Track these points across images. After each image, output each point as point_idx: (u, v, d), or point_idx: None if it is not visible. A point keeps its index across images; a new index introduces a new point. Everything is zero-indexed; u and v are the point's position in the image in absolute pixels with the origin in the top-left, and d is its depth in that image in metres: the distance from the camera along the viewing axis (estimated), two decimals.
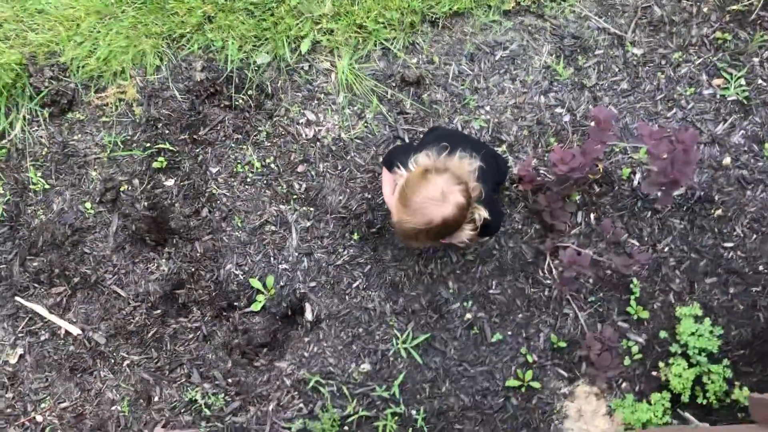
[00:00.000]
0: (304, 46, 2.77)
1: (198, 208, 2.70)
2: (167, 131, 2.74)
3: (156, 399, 2.56)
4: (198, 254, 2.66)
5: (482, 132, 2.71)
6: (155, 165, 2.70)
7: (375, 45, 2.78)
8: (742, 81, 2.67)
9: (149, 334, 2.60)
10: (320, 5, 2.78)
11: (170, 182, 2.72)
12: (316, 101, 2.77)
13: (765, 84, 2.67)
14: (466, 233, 1.99)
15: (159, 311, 2.61)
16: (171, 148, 2.73)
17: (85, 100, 2.74)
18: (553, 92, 2.74)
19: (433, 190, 1.88)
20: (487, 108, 2.74)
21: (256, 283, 2.62)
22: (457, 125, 2.72)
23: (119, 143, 2.72)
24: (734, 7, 2.73)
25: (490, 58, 2.77)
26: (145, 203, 2.68)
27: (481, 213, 1.98)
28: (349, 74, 2.75)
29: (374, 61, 2.78)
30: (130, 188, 2.70)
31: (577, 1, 2.80)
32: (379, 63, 2.78)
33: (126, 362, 2.59)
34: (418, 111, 2.74)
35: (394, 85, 2.77)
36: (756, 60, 2.69)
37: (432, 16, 2.78)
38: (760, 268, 2.55)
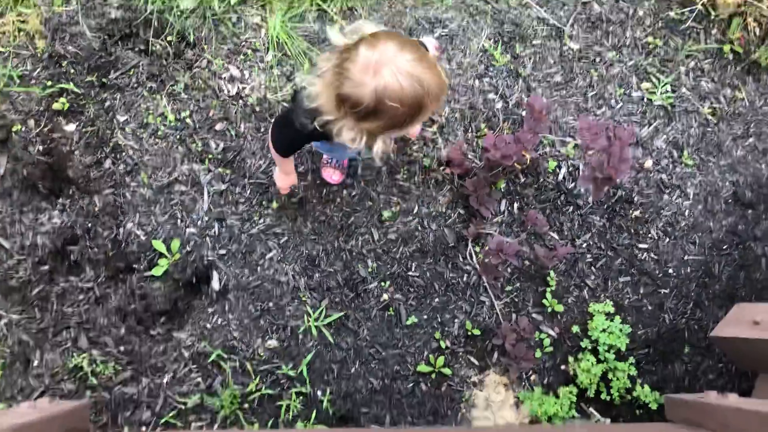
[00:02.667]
0: None
1: (100, 158, 2.66)
2: (72, 71, 2.68)
3: (35, 363, 2.50)
4: (96, 209, 2.62)
5: None
6: (56, 106, 2.63)
7: (311, 5, 2.85)
8: (668, 87, 2.96)
9: (33, 292, 2.53)
10: None
11: (71, 127, 2.66)
12: (242, 56, 2.80)
13: (689, 93, 2.97)
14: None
15: (47, 267, 2.54)
16: (75, 89, 2.67)
17: None
18: (488, 77, 2.92)
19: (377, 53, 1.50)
20: None
21: (159, 245, 2.61)
22: None
23: (15, 77, 2.63)
24: (669, 13, 3.02)
25: (427, 35, 2.91)
26: (41, 147, 2.61)
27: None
28: (281, 32, 2.80)
29: (309, 21, 2.85)
30: (24, 129, 2.62)
31: None
32: (314, 25, 2.85)
33: (3, 320, 2.51)
34: None
35: (327, 49, 2.84)
36: (683, 69, 2.99)
37: None
38: (670, 271, 2.83)
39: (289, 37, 2.80)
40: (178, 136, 2.71)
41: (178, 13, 2.75)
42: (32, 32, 2.66)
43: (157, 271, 2.59)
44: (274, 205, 2.69)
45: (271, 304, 2.65)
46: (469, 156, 2.83)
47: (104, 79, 2.69)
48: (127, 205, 2.64)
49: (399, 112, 1.52)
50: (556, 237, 2.81)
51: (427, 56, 1.56)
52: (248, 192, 2.70)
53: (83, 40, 2.70)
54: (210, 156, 2.71)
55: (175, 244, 2.62)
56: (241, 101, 2.75)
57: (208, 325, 2.61)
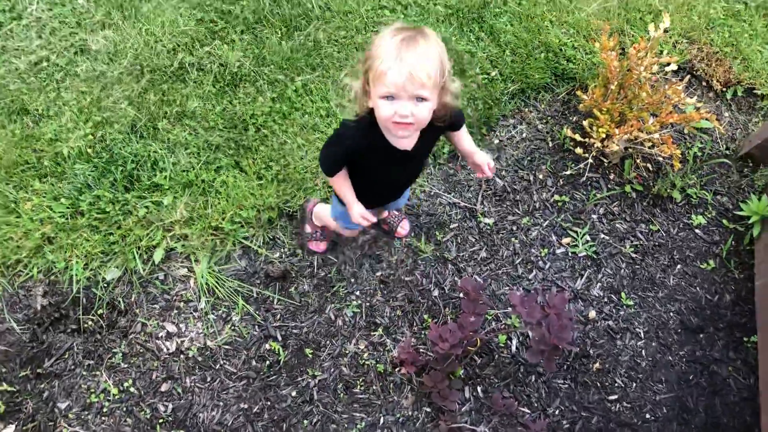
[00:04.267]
0: (157, 255, 2.89)
1: None
2: (4, 369, 2.65)
3: None
4: None
5: (356, 318, 2.90)
6: None
7: (234, 245, 2.97)
8: (587, 237, 3.14)
9: None
10: (171, 212, 2.96)
11: (10, 429, 2.58)
12: (175, 311, 2.84)
13: (608, 238, 3.15)
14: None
15: None
16: (9, 388, 2.62)
17: None
18: (418, 269, 3.03)
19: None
20: (357, 293, 2.95)
21: None
22: (329, 314, 2.89)
23: None
24: (566, 172, 3.27)
25: (352, 244, 3.05)
26: None
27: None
28: (210, 278, 2.88)
29: (235, 260, 2.96)
30: None
31: (425, 181, 3.22)
32: (241, 262, 2.96)
33: None
34: (287, 306, 2.89)
35: (258, 282, 2.93)
36: (595, 217, 3.19)
37: (289, 210, 3.05)
38: (647, 416, 2.83)
39: (218, 280, 2.88)
40: (124, 408, 2.66)
41: (105, 285, 2.82)
42: None
43: None
44: None
45: None
46: (421, 350, 2.86)
47: (39, 370, 2.67)
48: None
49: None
50: (528, 411, 2.79)
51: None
52: None
53: (12, 336, 2.70)
54: (161, 420, 2.65)
55: None
56: (182, 356, 2.76)
57: None
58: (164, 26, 3.50)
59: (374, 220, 2.25)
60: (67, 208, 2.92)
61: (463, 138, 2.33)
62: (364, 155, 2.12)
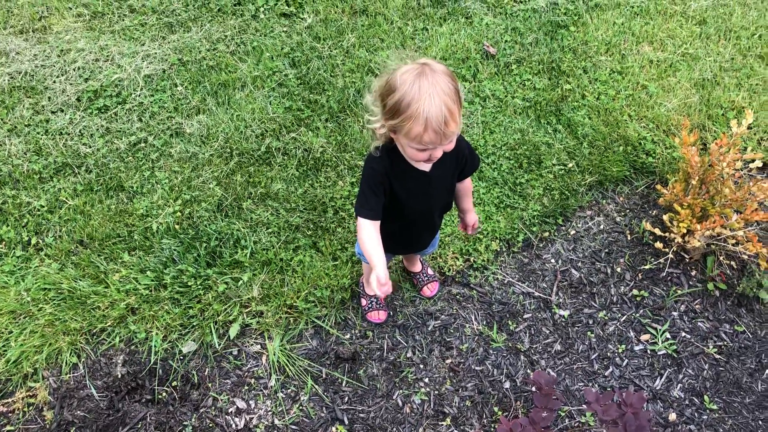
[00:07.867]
0: (233, 330, 2.96)
1: None
2: None
3: None
4: None
5: (424, 405, 2.85)
6: None
7: (306, 324, 3.01)
8: (668, 335, 3.01)
9: None
10: (248, 289, 3.04)
11: None
12: (246, 387, 2.87)
13: (689, 336, 3.02)
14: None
15: None
16: None
17: None
18: (489, 359, 2.97)
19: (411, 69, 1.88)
20: (426, 380, 2.91)
21: None
22: (397, 400, 2.85)
23: None
24: (645, 266, 3.19)
25: (423, 329, 3.04)
26: None
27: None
28: (281, 355, 2.91)
29: (307, 339, 2.98)
30: None
31: (498, 268, 3.20)
32: (312, 341, 2.98)
33: None
34: (355, 389, 2.87)
35: (328, 363, 2.93)
36: (675, 314, 3.07)
37: (361, 292, 3.08)
38: None
39: (289, 359, 2.90)
40: None
41: (181, 357, 2.89)
42: (41, 404, 2.75)
43: None
44: None
45: None
46: None
47: None
48: None
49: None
50: None
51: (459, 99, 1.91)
52: None
53: (90, 402, 2.78)
54: None
55: None
56: None
57: None
58: (254, 113, 3.71)
59: (389, 290, 2.16)
60: (152, 280, 3.05)
61: (467, 192, 2.51)
62: (391, 181, 2.18)
